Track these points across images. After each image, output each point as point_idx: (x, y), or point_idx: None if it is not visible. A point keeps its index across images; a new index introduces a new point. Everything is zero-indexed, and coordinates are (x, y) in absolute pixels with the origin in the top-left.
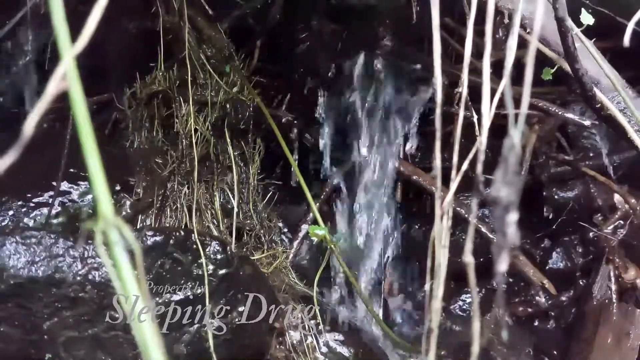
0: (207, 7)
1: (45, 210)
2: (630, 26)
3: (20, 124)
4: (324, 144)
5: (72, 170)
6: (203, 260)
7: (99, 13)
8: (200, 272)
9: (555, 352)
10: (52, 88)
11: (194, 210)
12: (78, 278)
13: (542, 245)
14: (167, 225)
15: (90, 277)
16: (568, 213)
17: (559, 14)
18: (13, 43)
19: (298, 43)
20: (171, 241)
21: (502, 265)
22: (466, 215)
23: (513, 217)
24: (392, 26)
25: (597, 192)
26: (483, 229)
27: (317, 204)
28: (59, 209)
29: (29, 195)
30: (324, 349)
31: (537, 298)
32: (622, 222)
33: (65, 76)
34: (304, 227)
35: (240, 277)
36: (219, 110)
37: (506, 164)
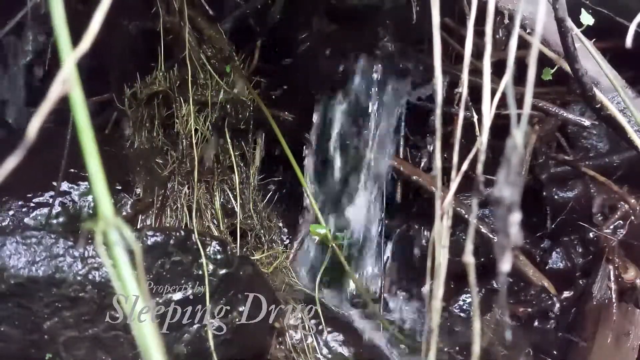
0: (207, 8)
1: (45, 210)
2: (633, 27)
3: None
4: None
5: (72, 170)
6: (203, 260)
7: (102, 16)
8: (200, 272)
9: (555, 352)
10: (55, 92)
11: (194, 210)
12: (78, 278)
13: (542, 245)
14: (167, 225)
15: (90, 277)
16: (568, 213)
17: (559, 15)
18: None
19: (298, 43)
20: (171, 241)
21: (505, 265)
22: (466, 216)
23: (516, 217)
24: (392, 26)
25: (597, 192)
26: (483, 229)
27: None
28: (59, 209)
29: (29, 195)
30: (324, 349)
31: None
32: (621, 222)
33: (66, 78)
34: (305, 227)
35: (240, 277)
36: (219, 111)
37: (509, 164)
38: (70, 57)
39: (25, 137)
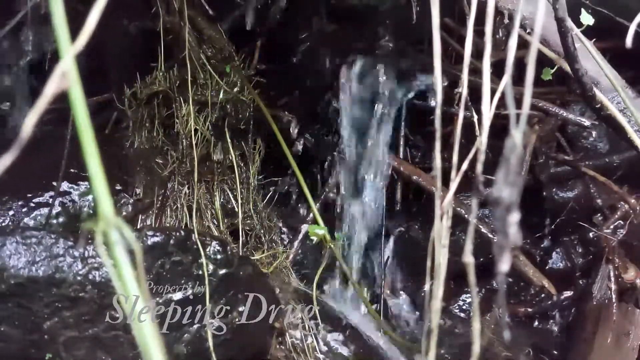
0: (207, 8)
1: (45, 210)
2: (633, 27)
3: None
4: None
5: (72, 170)
6: (203, 260)
7: (99, 11)
8: (200, 272)
9: (555, 352)
10: (52, 87)
11: (194, 210)
12: (78, 278)
13: (542, 245)
14: (168, 225)
15: (90, 277)
16: (568, 213)
17: (559, 15)
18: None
19: (298, 43)
20: (171, 241)
21: (504, 265)
22: (466, 215)
23: (515, 217)
24: (392, 26)
25: (597, 192)
26: (483, 229)
27: (317, 204)
28: (59, 209)
29: (30, 195)
30: (324, 349)
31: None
32: (621, 222)
33: (65, 75)
34: (304, 227)
35: (240, 277)
36: (219, 111)
37: (508, 164)
38: (69, 51)
39: (20, 134)
